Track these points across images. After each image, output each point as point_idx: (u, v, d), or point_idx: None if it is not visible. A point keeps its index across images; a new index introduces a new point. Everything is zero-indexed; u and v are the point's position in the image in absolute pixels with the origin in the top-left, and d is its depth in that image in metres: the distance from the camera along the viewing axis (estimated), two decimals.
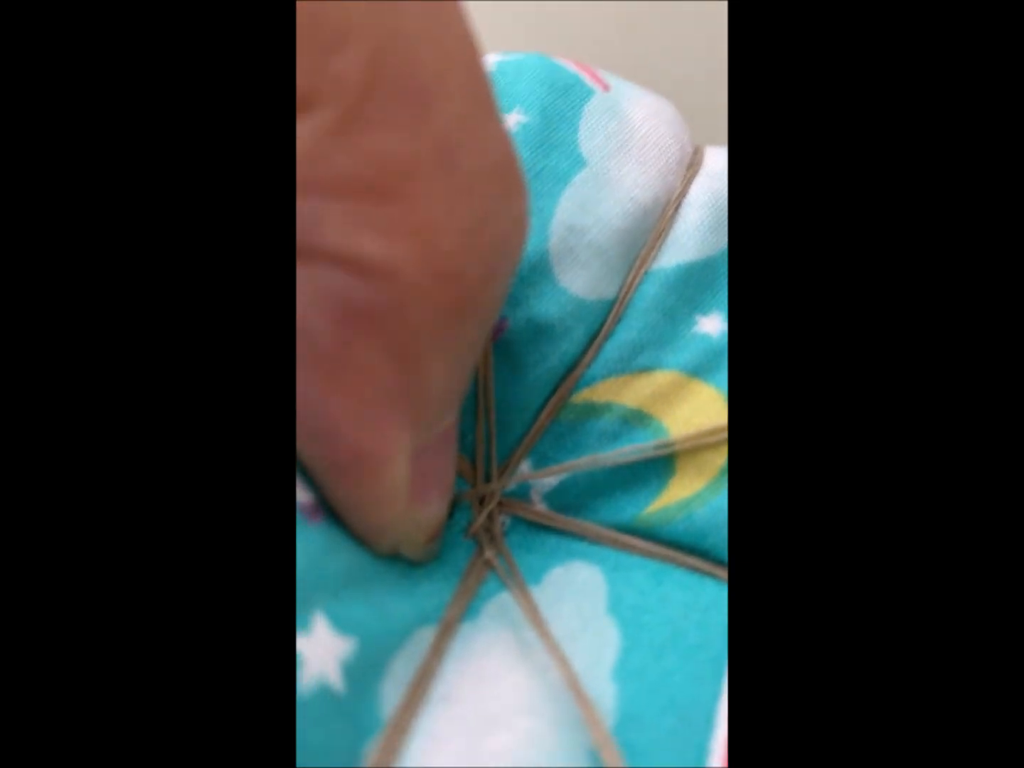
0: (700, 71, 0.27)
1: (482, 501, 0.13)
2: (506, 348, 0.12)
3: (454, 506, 0.13)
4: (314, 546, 0.10)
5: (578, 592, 0.12)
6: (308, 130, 0.08)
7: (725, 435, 0.12)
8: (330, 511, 0.10)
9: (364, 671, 0.10)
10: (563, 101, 0.14)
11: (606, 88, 0.14)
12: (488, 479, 0.13)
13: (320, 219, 0.09)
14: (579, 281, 0.13)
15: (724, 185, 0.14)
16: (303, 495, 0.10)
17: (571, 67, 0.15)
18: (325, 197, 0.09)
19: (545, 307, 0.12)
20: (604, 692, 0.10)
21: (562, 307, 0.12)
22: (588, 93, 0.14)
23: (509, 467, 0.13)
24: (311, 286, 0.09)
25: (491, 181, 0.09)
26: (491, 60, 0.15)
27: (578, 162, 0.13)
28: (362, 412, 0.10)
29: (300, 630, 0.09)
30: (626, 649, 0.11)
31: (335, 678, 0.09)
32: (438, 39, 0.09)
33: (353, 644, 0.09)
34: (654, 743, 0.10)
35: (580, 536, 0.12)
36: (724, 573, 0.12)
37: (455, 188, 0.09)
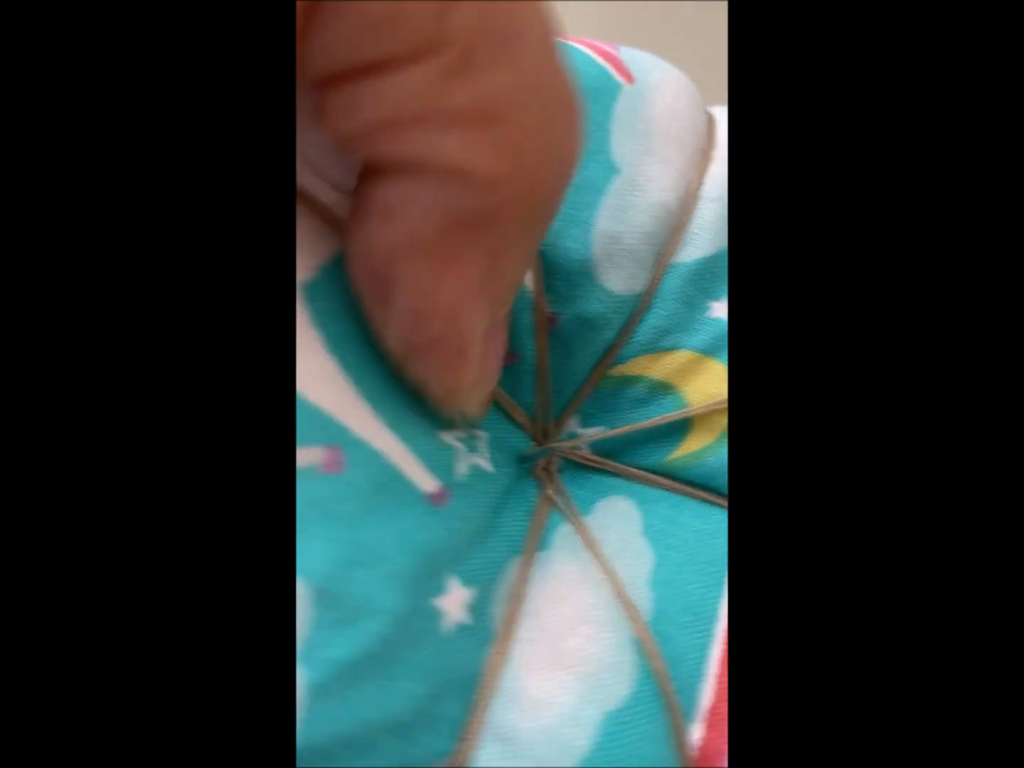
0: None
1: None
2: (558, 336, 0.16)
3: (525, 455, 0.16)
4: (445, 528, 0.13)
5: (619, 519, 0.16)
6: (423, 74, 0.10)
7: None
8: (452, 494, 0.14)
9: (481, 604, 0.14)
10: (597, 106, 0.15)
11: (630, 79, 0.16)
12: (546, 434, 0.16)
13: (439, 144, 0.11)
14: (616, 280, 0.15)
15: None
16: (432, 484, 0.14)
17: (597, 59, 0.16)
18: (442, 126, 0.11)
19: (590, 305, 0.15)
20: (643, 597, 0.15)
21: (603, 304, 0.15)
22: (616, 91, 0.16)
23: (562, 422, 0.16)
24: (424, 202, 0.11)
25: (563, 109, 0.12)
26: None
27: (612, 170, 0.15)
28: (461, 298, 0.12)
29: (441, 593, 0.13)
30: (657, 564, 0.15)
31: (465, 616, 0.13)
32: None
33: (474, 590, 0.14)
34: (678, 633, 0.15)
35: (617, 475, 0.16)
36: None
37: (540, 115, 0.11)
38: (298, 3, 0.10)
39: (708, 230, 0.16)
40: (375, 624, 0.12)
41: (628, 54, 0.17)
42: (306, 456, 0.12)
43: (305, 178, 0.14)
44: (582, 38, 0.17)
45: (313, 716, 0.11)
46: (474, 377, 0.13)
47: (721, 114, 0.18)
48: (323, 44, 0.11)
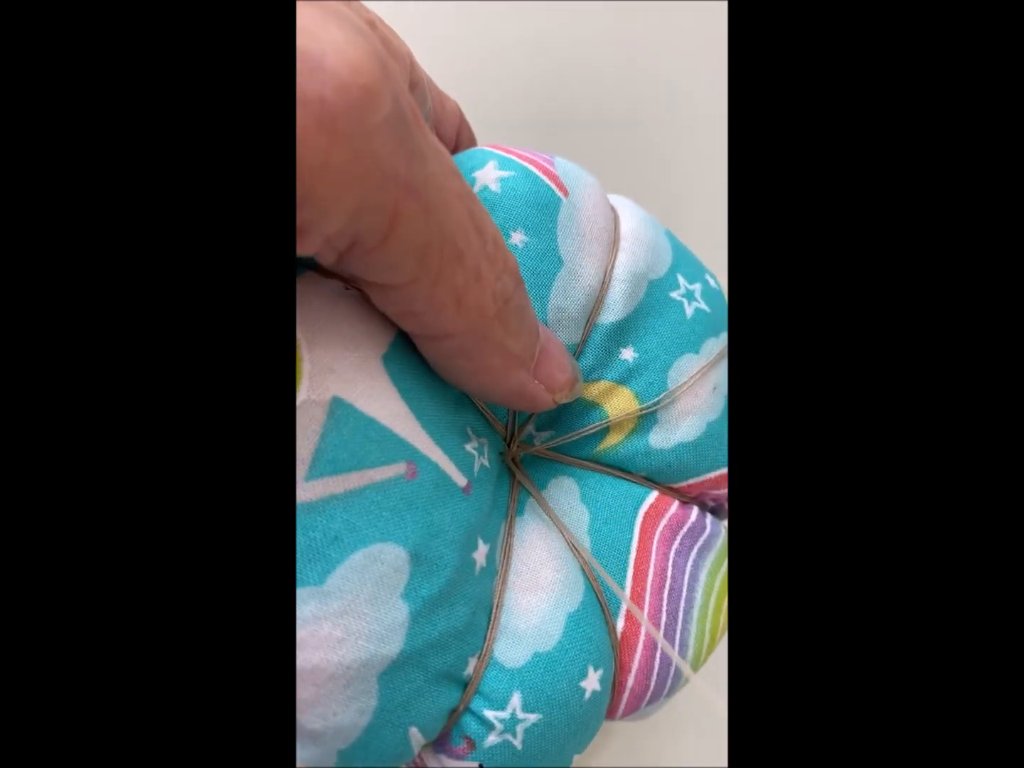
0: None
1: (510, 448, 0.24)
2: None
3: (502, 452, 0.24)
4: (475, 508, 0.21)
5: (564, 492, 0.24)
6: (420, 288, 0.18)
7: (635, 415, 0.24)
8: (473, 485, 0.21)
9: (491, 553, 0.21)
10: (546, 217, 0.23)
11: (566, 193, 0.24)
12: (513, 437, 0.24)
13: (437, 322, 0.18)
14: (562, 336, 0.23)
15: (633, 256, 0.24)
16: (463, 480, 0.21)
17: (543, 178, 0.23)
18: (432, 314, 0.18)
19: None
20: (584, 541, 0.23)
21: None
22: (558, 204, 0.23)
23: (523, 429, 0.24)
24: (442, 344, 0.19)
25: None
26: (494, 177, 0.23)
27: (558, 263, 0.23)
28: (504, 367, 0.20)
29: (475, 549, 0.20)
30: (591, 520, 0.23)
31: (484, 562, 0.21)
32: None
33: (488, 545, 0.21)
34: (605, 563, 0.23)
35: (562, 463, 0.24)
36: (635, 479, 0.24)
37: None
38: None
39: (619, 302, 0.24)
40: (446, 572, 0.19)
41: (561, 167, 0.24)
42: (397, 469, 0.19)
43: None
44: (521, 152, 0.24)
45: (411, 632, 0.19)
46: (540, 392, 0.21)
47: (621, 205, 0.25)
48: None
